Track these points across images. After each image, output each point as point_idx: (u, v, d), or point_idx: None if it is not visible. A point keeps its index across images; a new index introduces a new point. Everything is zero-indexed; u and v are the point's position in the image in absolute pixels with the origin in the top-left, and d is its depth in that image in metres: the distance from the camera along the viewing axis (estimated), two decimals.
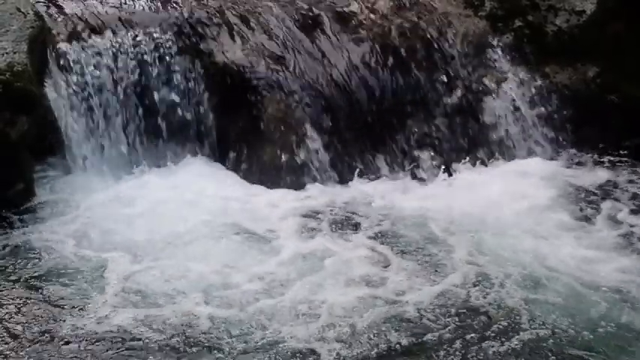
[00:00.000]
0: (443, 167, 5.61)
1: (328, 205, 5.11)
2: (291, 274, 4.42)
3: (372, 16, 5.86)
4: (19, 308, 4.05)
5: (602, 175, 5.54)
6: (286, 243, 4.73)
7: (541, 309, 4.11)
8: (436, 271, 4.47)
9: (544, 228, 4.89)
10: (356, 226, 4.93)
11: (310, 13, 5.81)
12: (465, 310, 4.12)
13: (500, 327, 3.98)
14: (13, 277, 4.31)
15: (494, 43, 6.02)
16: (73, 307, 4.09)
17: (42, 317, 4.00)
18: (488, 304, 4.17)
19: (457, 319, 4.05)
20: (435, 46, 5.88)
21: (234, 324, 4.01)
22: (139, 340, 3.87)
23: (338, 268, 4.48)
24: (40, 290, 4.21)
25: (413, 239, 4.78)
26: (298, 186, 5.28)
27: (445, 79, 5.83)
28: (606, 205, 5.18)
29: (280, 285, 4.33)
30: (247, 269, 4.45)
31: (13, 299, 4.11)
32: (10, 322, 3.94)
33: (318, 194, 5.21)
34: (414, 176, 5.53)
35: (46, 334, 3.88)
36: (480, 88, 5.89)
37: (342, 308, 4.13)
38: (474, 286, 4.31)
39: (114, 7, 5.51)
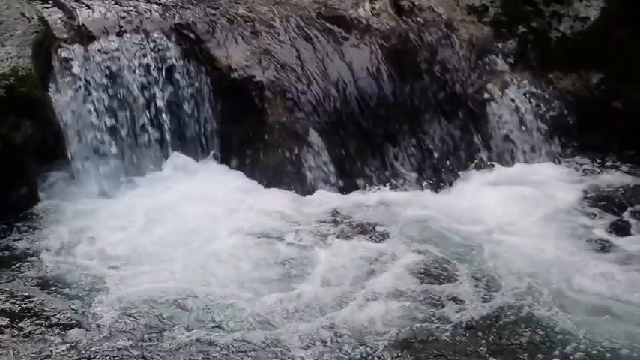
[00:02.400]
0: (447, 173, 5.61)
1: (338, 212, 5.05)
2: (319, 290, 4.21)
3: (375, 21, 5.86)
4: (9, 323, 3.91)
5: (608, 181, 5.51)
6: (306, 251, 4.59)
7: (572, 331, 3.96)
8: (462, 286, 4.32)
9: (561, 239, 4.80)
10: (375, 234, 4.82)
11: (314, 19, 5.81)
12: (496, 329, 3.99)
13: (533, 349, 3.85)
14: (7, 287, 4.20)
15: (498, 49, 6.02)
16: (65, 325, 3.91)
17: (31, 333, 3.84)
18: (518, 323, 4.02)
19: (490, 338, 3.93)
20: (439, 51, 5.88)
21: (254, 351, 3.75)
22: None
23: (368, 281, 4.33)
24: (32, 303, 4.06)
25: (432, 248, 4.66)
26: (303, 192, 5.26)
27: (449, 85, 5.83)
28: (616, 214, 5.12)
29: (309, 303, 4.10)
30: (269, 284, 4.27)
31: (4, 312, 3.99)
32: None
33: (325, 200, 5.16)
34: (420, 183, 5.52)
35: (33, 350, 3.72)
36: (484, 94, 5.89)
37: (375, 329, 3.92)
38: (499, 303, 4.16)
39: (118, 12, 5.50)
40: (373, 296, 4.19)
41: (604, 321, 4.04)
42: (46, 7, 5.39)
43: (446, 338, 3.91)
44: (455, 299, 4.20)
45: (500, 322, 4.04)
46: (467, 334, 3.94)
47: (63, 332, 3.86)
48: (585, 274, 4.44)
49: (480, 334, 3.95)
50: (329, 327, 3.93)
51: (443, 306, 4.14)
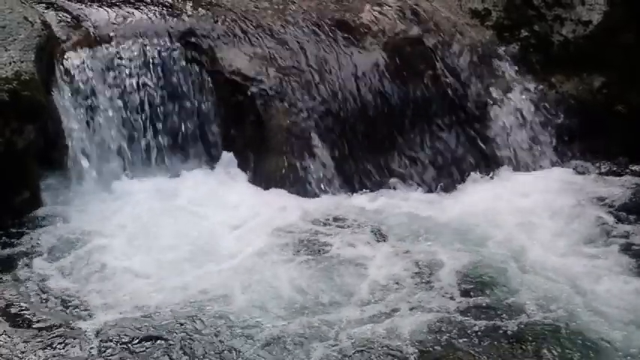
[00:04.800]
0: (449, 178, 5.60)
1: (347, 218, 4.94)
2: (338, 306, 3.96)
3: (378, 26, 5.86)
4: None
5: (611, 186, 5.46)
6: (322, 262, 4.40)
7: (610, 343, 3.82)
8: (485, 296, 4.16)
9: (579, 247, 4.71)
10: (390, 241, 4.69)
11: (317, 23, 5.81)
12: (527, 341, 3.82)
13: None
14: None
15: (501, 53, 6.01)
16: (55, 339, 3.72)
17: (22, 343, 3.70)
18: (549, 335, 3.85)
19: (521, 350, 3.77)
20: (442, 56, 5.88)
21: None
22: None
23: (391, 293, 4.16)
24: (25, 313, 3.93)
25: (447, 256, 4.52)
26: (307, 196, 5.24)
27: (452, 89, 5.82)
28: (624, 220, 5.04)
29: (329, 323, 3.85)
30: (284, 299, 4.04)
31: None
32: None
33: (330, 205, 5.09)
34: (423, 187, 5.51)
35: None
36: (486, 98, 5.88)
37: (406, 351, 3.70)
38: (528, 314, 4.01)
39: (120, 16, 5.51)
40: (399, 311, 3.99)
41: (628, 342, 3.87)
42: (49, 11, 5.38)
43: (472, 351, 3.77)
44: (480, 310, 4.06)
45: (532, 334, 3.88)
46: (495, 347, 3.80)
47: (50, 347, 3.71)
48: (611, 284, 4.33)
49: (509, 346, 3.82)
50: (348, 351, 3.72)
51: (469, 318, 3.98)
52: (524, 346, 3.82)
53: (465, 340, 3.84)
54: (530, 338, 3.86)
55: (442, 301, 4.11)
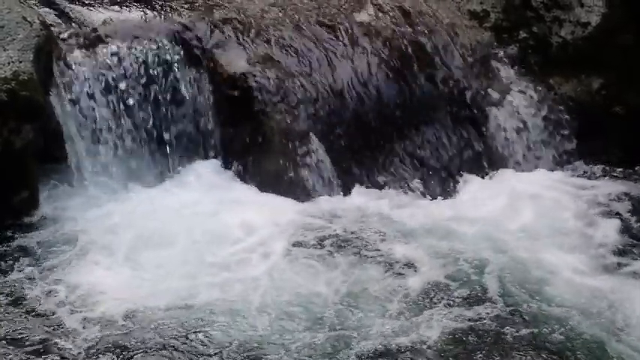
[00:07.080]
0: (449, 179, 5.61)
1: (350, 220, 4.88)
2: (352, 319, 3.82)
3: (377, 26, 5.86)
4: None
5: (610, 187, 5.46)
6: (336, 269, 4.28)
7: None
8: (488, 313, 4.05)
9: (583, 254, 4.65)
10: (400, 245, 4.62)
11: (315, 24, 5.81)
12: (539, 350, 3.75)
13: None
14: None
15: (499, 54, 6.02)
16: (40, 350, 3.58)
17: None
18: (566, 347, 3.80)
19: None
20: (440, 57, 5.88)
21: None
22: None
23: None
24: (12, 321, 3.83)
25: (450, 260, 4.49)
26: (306, 198, 5.22)
27: (450, 90, 5.83)
28: (626, 226, 5.02)
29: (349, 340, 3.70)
30: (295, 310, 3.91)
31: None
32: None
33: (330, 207, 5.03)
34: (422, 188, 5.51)
35: None
36: (485, 99, 5.89)
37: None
38: (539, 323, 3.95)
39: (119, 17, 5.51)
40: (428, 319, 3.88)
41: None
42: (47, 12, 5.38)
43: None
44: (508, 320, 3.99)
45: (544, 343, 3.82)
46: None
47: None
48: (620, 298, 4.23)
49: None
50: None
51: (499, 327, 3.91)
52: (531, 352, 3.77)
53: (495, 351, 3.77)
54: (535, 345, 3.80)
55: (470, 308, 4.05)
